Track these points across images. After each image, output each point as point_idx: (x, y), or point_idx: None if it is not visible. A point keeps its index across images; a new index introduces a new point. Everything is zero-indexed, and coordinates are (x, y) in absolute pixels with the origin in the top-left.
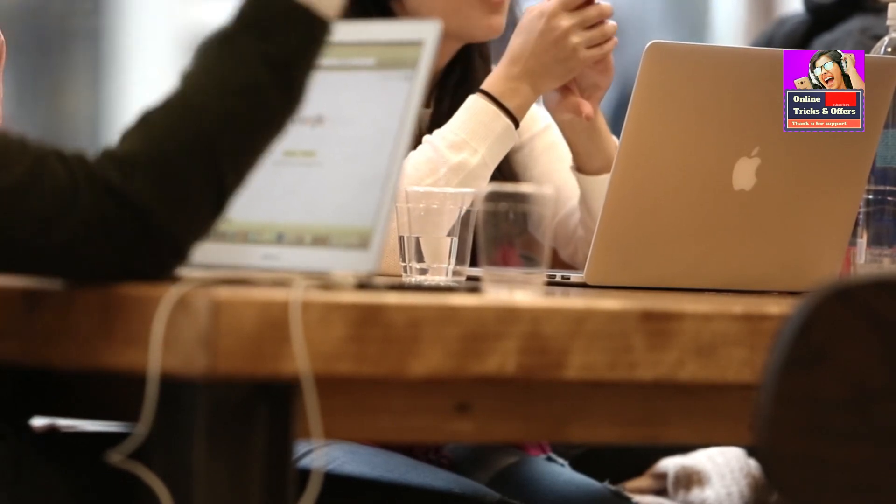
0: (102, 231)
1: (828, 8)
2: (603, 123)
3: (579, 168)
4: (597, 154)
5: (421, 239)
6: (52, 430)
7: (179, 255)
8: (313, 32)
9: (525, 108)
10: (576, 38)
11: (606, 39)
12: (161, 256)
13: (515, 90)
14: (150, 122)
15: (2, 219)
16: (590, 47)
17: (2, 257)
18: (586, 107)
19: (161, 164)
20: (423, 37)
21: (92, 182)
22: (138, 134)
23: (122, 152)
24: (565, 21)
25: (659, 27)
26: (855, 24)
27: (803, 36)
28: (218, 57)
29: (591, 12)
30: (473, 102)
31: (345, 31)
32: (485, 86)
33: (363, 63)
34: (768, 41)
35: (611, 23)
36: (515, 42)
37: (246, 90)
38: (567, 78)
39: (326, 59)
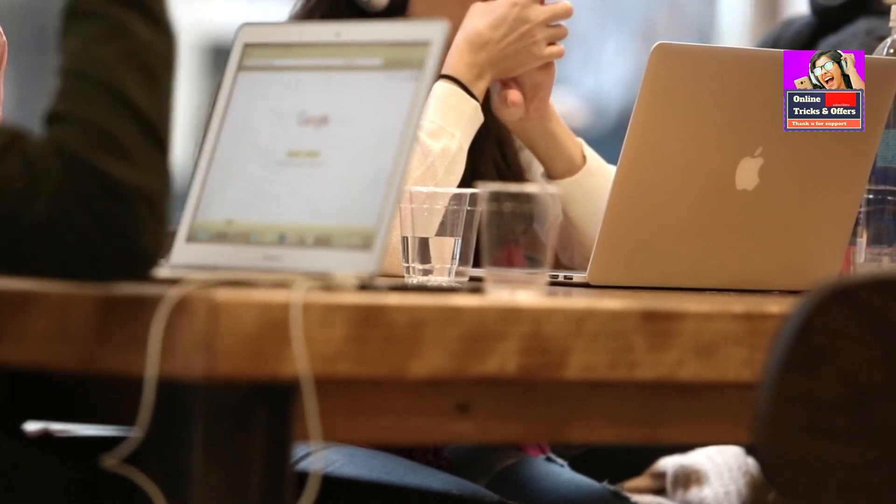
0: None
1: (834, 10)
2: (560, 126)
3: (548, 174)
4: (557, 158)
5: (425, 240)
6: (45, 435)
7: (150, 205)
8: None
9: (484, 90)
10: (540, 34)
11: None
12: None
13: (480, 76)
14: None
15: None
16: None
17: None
18: (512, 94)
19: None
20: (429, 37)
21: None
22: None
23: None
24: (536, 14)
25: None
26: (861, 25)
27: (809, 38)
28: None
29: (559, 9)
30: (442, 88)
31: (351, 31)
32: (450, 71)
33: (369, 63)
34: (774, 43)
35: (565, 25)
36: (480, 24)
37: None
38: (519, 70)
39: (332, 58)
